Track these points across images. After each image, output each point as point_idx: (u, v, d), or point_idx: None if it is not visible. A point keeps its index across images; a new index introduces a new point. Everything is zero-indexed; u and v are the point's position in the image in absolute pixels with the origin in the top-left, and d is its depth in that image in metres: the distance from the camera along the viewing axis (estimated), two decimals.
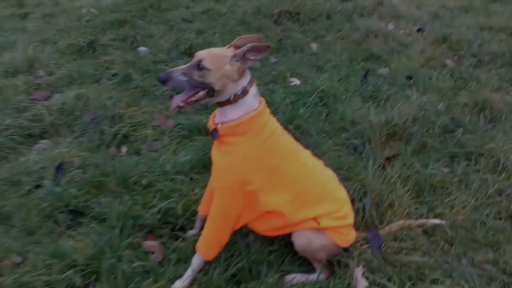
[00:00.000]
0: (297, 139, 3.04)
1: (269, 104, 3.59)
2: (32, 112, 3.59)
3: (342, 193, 2.17)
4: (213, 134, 1.98)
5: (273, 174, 1.98)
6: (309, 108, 3.44)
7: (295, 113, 3.27)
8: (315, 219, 2.03)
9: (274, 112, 3.42)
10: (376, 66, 4.33)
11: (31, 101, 3.82)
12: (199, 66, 1.84)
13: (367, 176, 2.57)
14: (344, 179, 2.52)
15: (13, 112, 3.63)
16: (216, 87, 1.88)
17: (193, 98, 1.91)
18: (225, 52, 1.91)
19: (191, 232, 2.42)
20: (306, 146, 2.95)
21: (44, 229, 2.45)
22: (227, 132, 1.94)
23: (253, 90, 1.98)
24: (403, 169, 2.74)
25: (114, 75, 4.20)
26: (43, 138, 3.44)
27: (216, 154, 2.04)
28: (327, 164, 2.16)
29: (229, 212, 2.01)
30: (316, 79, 3.93)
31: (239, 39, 1.97)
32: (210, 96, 1.91)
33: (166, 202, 2.51)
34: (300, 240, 2.07)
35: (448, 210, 2.51)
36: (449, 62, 4.44)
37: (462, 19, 5.75)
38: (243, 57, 1.89)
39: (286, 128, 3.14)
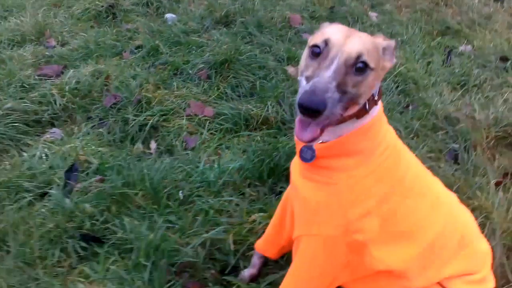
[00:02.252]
0: None
1: None
2: (41, 92, 2.93)
3: (483, 244, 1.45)
4: (304, 155, 1.28)
5: (394, 215, 1.28)
6: (386, 97, 2.69)
7: None
8: (440, 284, 1.35)
9: None
10: (455, 42, 3.53)
11: (39, 78, 3.16)
12: (357, 67, 1.11)
13: (489, 201, 1.85)
14: None
15: (17, 91, 2.98)
16: (364, 98, 1.18)
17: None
18: (373, 38, 1.21)
19: (247, 273, 1.76)
20: None
21: (49, 259, 1.82)
22: (329, 153, 1.25)
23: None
24: None
25: (138, 47, 3.50)
26: (53, 126, 2.79)
27: (304, 183, 1.33)
28: None
29: (323, 276, 1.32)
30: None
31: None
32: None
33: (212, 231, 1.84)
34: None
35: None
36: None
37: None
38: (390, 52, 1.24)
39: None
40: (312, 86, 1.04)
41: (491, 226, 1.76)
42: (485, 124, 2.35)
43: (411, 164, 1.36)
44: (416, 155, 2.26)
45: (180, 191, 2.10)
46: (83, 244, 1.86)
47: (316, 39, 1.17)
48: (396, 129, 2.42)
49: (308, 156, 1.26)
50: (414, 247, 1.31)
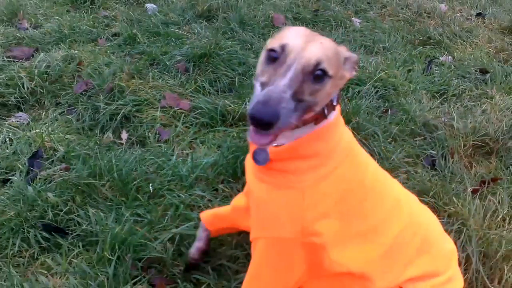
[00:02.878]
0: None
1: None
2: (8, 75, 2.78)
3: (447, 243, 1.43)
4: (258, 157, 1.21)
5: (353, 216, 1.25)
6: (365, 101, 2.67)
7: (352, 107, 2.49)
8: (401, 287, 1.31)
9: None
10: (436, 52, 3.55)
11: (8, 59, 3.01)
12: (315, 75, 1.06)
13: (466, 208, 1.83)
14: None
15: None
16: (321, 106, 1.13)
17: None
18: (334, 44, 1.15)
19: (194, 248, 1.69)
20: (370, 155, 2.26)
21: (8, 249, 1.70)
22: (283, 156, 1.20)
23: None
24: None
25: (115, 35, 3.38)
26: (19, 110, 2.65)
27: (257, 184, 1.27)
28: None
29: (282, 278, 1.27)
30: (368, 63, 3.15)
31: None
32: None
33: (182, 226, 1.76)
34: None
35: None
36: None
37: None
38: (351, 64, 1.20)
39: None
40: (265, 96, 0.97)
41: (467, 233, 1.75)
42: (463, 132, 2.35)
43: (369, 166, 1.32)
44: (393, 159, 2.29)
45: (150, 184, 2.01)
46: (45, 234, 1.75)
47: (273, 42, 1.10)
48: (374, 133, 2.41)
49: (262, 158, 1.21)
50: (374, 249, 1.27)
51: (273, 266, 1.26)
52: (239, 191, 2.02)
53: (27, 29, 3.47)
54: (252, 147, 1.23)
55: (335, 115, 1.22)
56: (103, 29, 3.46)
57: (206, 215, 1.67)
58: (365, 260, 1.27)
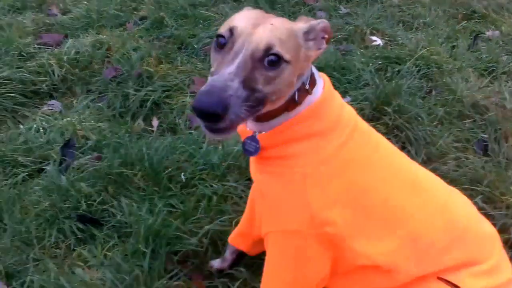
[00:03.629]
0: (398, 128, 2.22)
1: (347, 71, 2.71)
2: (39, 62, 2.77)
3: (486, 226, 1.27)
4: (248, 147, 1.13)
5: (370, 201, 1.13)
6: (406, 81, 2.51)
7: (391, 88, 2.34)
8: (440, 278, 1.18)
9: (355, 84, 2.56)
10: (482, 27, 3.31)
11: (38, 47, 2.99)
12: (268, 61, 0.95)
13: None
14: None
15: (14, 59, 2.82)
16: (281, 94, 1.02)
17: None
18: (289, 23, 1.04)
19: (216, 265, 1.62)
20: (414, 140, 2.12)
21: (46, 240, 1.69)
22: (275, 141, 1.10)
23: (313, 67, 1.14)
24: None
25: (143, 18, 3.31)
26: (52, 98, 2.64)
27: (258, 176, 1.20)
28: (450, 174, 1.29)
29: (300, 280, 1.16)
30: (408, 40, 2.96)
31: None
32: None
33: (216, 221, 1.69)
34: None
35: None
36: None
37: None
38: (317, 35, 1.06)
39: (380, 110, 2.28)
40: (208, 86, 0.88)
41: None
42: None
43: (379, 143, 1.20)
44: (440, 144, 2.14)
45: (182, 173, 1.95)
46: (80, 225, 1.73)
47: (222, 27, 1.00)
48: (418, 116, 2.26)
49: (252, 148, 1.11)
50: (400, 237, 1.15)
51: (287, 263, 1.16)
52: None
53: (56, 15, 3.45)
54: (243, 137, 1.14)
55: (325, 90, 1.12)
56: (131, 12, 3.40)
57: (233, 237, 1.57)
58: (391, 250, 1.14)
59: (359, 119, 1.18)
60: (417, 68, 2.68)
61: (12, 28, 3.16)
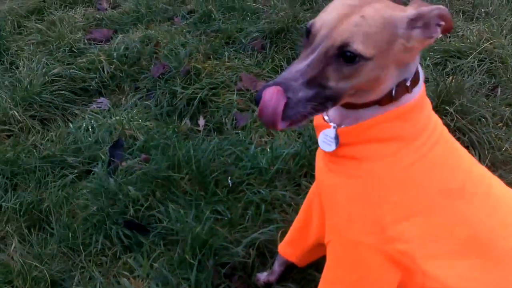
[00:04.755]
0: (460, 130, 2.07)
1: None
2: (89, 58, 2.81)
3: None
4: (326, 139, 1.04)
5: (445, 219, 1.01)
6: (468, 77, 2.33)
7: (453, 85, 2.17)
8: None
9: None
10: None
11: (89, 42, 3.04)
12: (345, 56, 0.89)
13: None
14: None
15: (65, 55, 2.88)
16: (365, 88, 0.95)
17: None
18: (389, 9, 0.93)
19: (263, 278, 1.54)
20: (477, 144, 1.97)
21: (93, 246, 1.71)
22: (355, 138, 1.01)
23: (420, 68, 1.03)
24: None
25: (191, 12, 3.27)
26: (101, 95, 2.68)
27: (328, 177, 1.10)
28: None
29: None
30: (469, 32, 2.75)
31: None
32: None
33: (264, 228, 1.64)
34: None
35: None
36: None
37: None
38: (428, 22, 0.93)
39: (440, 110, 2.12)
40: (275, 82, 0.89)
41: None
42: None
43: (464, 158, 1.08)
44: (506, 149, 1.97)
45: (229, 178, 1.91)
46: (127, 232, 1.72)
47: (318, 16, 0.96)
48: (481, 116, 2.09)
49: (329, 143, 1.03)
50: (482, 263, 1.02)
51: (347, 277, 1.07)
52: None
53: (106, 9, 3.49)
54: (319, 131, 1.06)
55: (420, 93, 1.02)
56: (179, 6, 3.37)
57: (283, 246, 1.49)
58: (469, 277, 1.02)
59: (445, 130, 1.08)
60: (479, 63, 2.48)
61: (64, 23, 3.22)
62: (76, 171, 2.04)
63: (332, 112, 1.06)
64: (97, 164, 2.07)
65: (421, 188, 1.00)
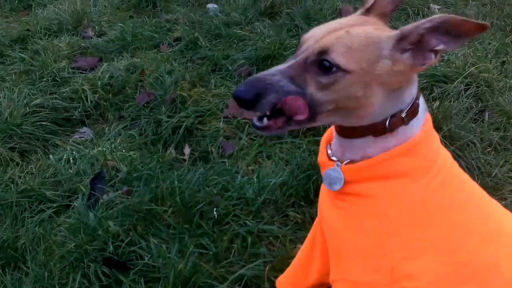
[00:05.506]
0: None
1: None
2: (73, 88, 2.76)
3: None
4: (330, 178, 1.01)
5: (456, 255, 0.96)
6: (455, 102, 2.32)
7: (441, 111, 2.14)
8: None
9: None
10: None
11: (73, 71, 2.99)
12: (322, 65, 0.89)
13: None
14: None
15: (48, 85, 2.82)
16: (351, 104, 0.93)
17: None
18: (377, 31, 0.93)
19: None
20: (466, 170, 1.92)
21: (69, 286, 1.61)
22: (359, 176, 0.98)
23: (422, 101, 1.00)
24: None
25: (177, 40, 3.25)
26: (84, 125, 2.61)
27: (332, 212, 1.06)
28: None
29: None
30: (454, 56, 2.75)
31: None
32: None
33: (251, 263, 1.57)
34: None
35: None
36: None
37: None
38: (419, 43, 0.89)
39: None
40: (254, 77, 0.93)
41: None
42: None
43: (474, 193, 1.04)
44: (495, 174, 1.94)
45: (215, 209, 1.84)
46: (106, 270, 1.64)
47: None
48: (470, 142, 2.07)
49: (334, 180, 1.00)
50: None
51: None
52: (312, 218, 1.80)
53: (91, 37, 3.46)
54: (323, 169, 1.04)
55: (425, 126, 0.99)
56: (165, 33, 3.36)
57: (280, 282, 1.42)
58: None
59: (455, 164, 1.05)
60: (466, 87, 2.47)
61: (48, 51, 3.18)
62: (54, 205, 1.96)
63: (333, 145, 1.05)
64: (77, 197, 1.99)
65: (430, 226, 0.96)
